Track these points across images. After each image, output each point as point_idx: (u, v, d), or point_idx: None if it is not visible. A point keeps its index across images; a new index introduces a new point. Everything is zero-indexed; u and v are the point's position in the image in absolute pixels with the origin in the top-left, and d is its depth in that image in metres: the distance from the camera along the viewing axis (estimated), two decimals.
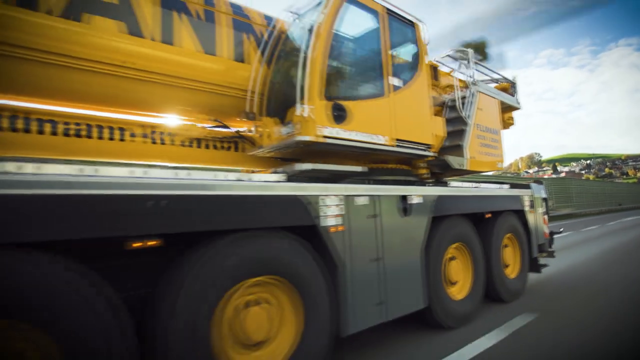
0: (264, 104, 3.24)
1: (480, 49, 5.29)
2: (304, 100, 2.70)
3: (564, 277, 6.00)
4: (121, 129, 2.89)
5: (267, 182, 2.39)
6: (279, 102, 3.18)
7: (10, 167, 1.65)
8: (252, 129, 3.34)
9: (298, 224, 2.49)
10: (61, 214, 1.65)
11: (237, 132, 3.37)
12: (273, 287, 2.41)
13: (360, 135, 3.02)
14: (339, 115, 2.88)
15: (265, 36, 3.44)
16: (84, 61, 2.54)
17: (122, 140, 2.85)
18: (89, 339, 1.67)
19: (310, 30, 3.00)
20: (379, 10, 3.42)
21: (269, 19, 3.58)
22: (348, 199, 2.80)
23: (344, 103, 2.94)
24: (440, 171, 4.51)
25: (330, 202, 2.67)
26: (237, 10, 3.36)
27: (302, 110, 2.66)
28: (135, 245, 1.87)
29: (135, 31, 2.71)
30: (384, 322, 2.97)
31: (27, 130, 2.46)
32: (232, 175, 2.29)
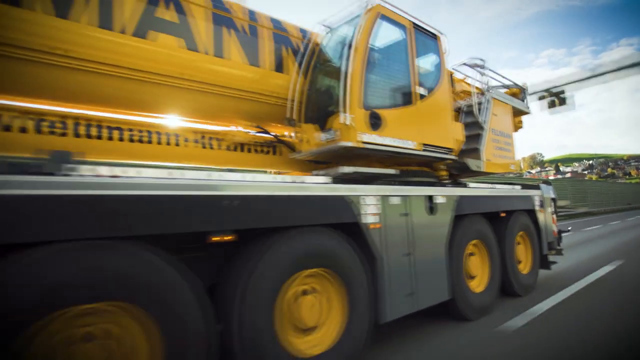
0: (302, 111, 3.56)
1: (559, 95, 6.89)
2: (345, 109, 3.03)
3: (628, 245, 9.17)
4: (176, 135, 3.21)
5: (318, 184, 2.72)
6: (317, 109, 3.50)
7: (118, 171, 1.97)
8: (292, 134, 3.67)
9: (344, 221, 2.81)
10: (155, 212, 1.97)
11: (276, 137, 3.69)
12: (323, 278, 2.73)
13: (393, 141, 3.35)
14: (375, 123, 3.21)
15: (302, 48, 3.76)
16: (150, 74, 2.86)
17: (177, 145, 3.18)
18: (180, 317, 1.99)
19: (347, 45, 3.32)
20: (407, 24, 3.75)
21: (303, 31, 3.90)
22: (383, 198, 3.13)
23: (379, 111, 3.27)
24: (457, 172, 4.84)
25: (369, 202, 3.00)
26: (277, 24, 3.68)
27: (344, 118, 2.99)
28: (215, 239, 2.19)
29: (192, 46, 3.03)
30: (414, 311, 3.30)
31: (103, 137, 2.79)
32: (288, 178, 2.61)
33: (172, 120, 3.20)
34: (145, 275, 1.92)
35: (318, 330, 2.70)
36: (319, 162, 3.92)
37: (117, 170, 1.97)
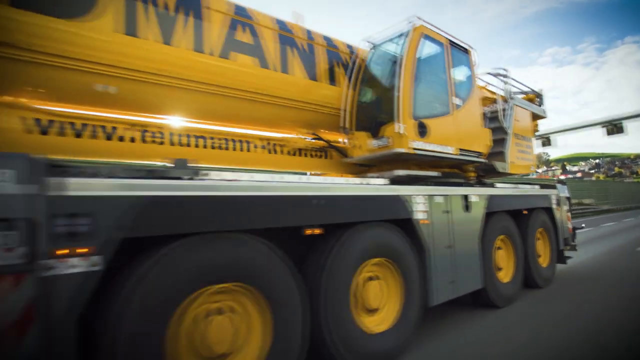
0: (353, 120, 4.08)
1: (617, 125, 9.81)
2: (399, 120, 3.55)
3: None
4: (247, 142, 3.73)
5: (381, 185, 3.24)
6: (367, 119, 4.01)
7: (234, 176, 2.49)
8: (345, 140, 4.19)
9: (401, 217, 3.33)
10: (267, 209, 2.49)
11: (329, 143, 4.21)
12: (385, 267, 3.25)
13: (436, 147, 3.87)
14: (422, 131, 3.73)
15: (349, 62, 4.28)
16: (221, 88, 3.36)
17: (248, 150, 3.69)
18: (284, 295, 2.51)
19: (396, 62, 3.84)
20: (444, 42, 4.26)
21: (350, 47, 4.41)
22: (430, 198, 3.65)
23: (425, 121, 3.79)
24: (483, 174, 5.36)
25: (419, 201, 3.52)
26: (328, 41, 4.19)
27: (399, 128, 3.51)
28: (307, 232, 2.71)
29: (264, 64, 3.55)
30: (454, 298, 3.82)
31: (191, 145, 3.32)
32: (357, 180, 3.13)
33: (243, 129, 3.72)
34: (258, 260, 2.44)
35: (380, 312, 3.22)
36: (363, 165, 4.45)
37: (236, 175, 2.48)
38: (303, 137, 4.04)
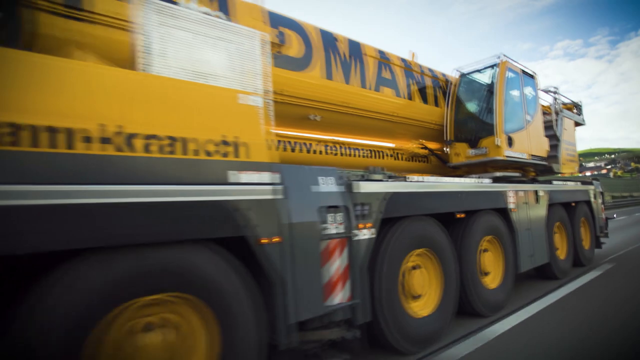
0: (450, 133, 5.77)
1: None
2: (497, 134, 5.24)
3: None
4: (379, 152, 5.40)
5: (489, 183, 4.94)
6: (464, 133, 5.68)
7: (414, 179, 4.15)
8: (445, 149, 5.89)
9: (500, 207, 5.00)
10: (439, 200, 4.15)
11: (432, 151, 5.90)
12: (492, 243, 4.94)
13: (518, 154, 5.57)
14: (510, 143, 5.42)
15: (445, 88, 5.96)
16: (374, 113, 5.02)
17: (383, 158, 5.37)
18: (446, 254, 4.18)
19: (486, 88, 5.53)
20: (519, 71, 5.95)
21: (444, 75, 6.09)
22: (516, 192, 5.35)
23: (511, 135, 5.49)
24: (539, 173, 7.09)
25: (510, 195, 5.22)
26: (431, 72, 5.86)
27: (498, 141, 5.20)
28: (459, 216, 4.40)
29: (397, 94, 5.21)
30: (532, 268, 5.54)
31: (360, 156, 4.99)
32: (476, 180, 4.83)
33: (379, 142, 5.40)
34: (435, 236, 4.09)
35: (490, 275, 4.89)
36: (453, 167, 6.15)
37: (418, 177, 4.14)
38: (415, 146, 5.74)
